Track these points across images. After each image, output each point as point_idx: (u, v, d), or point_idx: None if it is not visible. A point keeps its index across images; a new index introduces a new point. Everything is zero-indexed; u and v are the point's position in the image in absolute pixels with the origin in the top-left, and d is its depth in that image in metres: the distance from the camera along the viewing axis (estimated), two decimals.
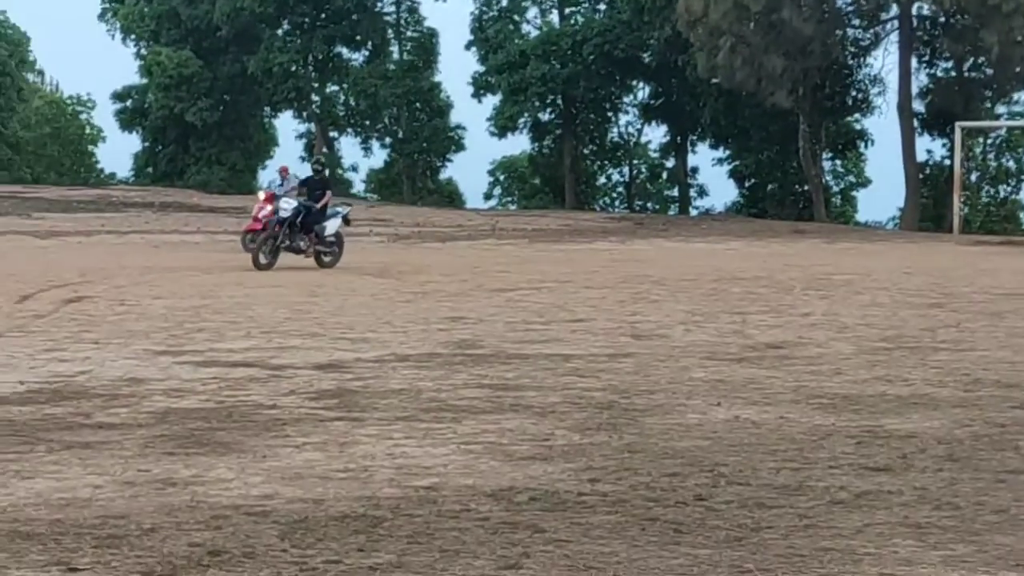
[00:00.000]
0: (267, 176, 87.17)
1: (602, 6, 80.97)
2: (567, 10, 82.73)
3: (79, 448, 10.72)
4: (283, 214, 29.71)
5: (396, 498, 8.89)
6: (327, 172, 32.79)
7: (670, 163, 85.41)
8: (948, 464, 9.84)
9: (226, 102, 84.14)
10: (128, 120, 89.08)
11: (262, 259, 30.97)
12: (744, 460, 9.99)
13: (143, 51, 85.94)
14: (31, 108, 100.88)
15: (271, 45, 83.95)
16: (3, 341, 17.96)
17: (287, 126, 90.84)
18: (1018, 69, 65.94)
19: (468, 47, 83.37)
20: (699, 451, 10.38)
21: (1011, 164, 72.60)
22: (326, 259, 33.28)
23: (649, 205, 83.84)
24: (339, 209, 33.66)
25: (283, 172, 48.05)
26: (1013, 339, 17.92)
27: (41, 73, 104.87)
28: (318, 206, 32.70)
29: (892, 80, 68.38)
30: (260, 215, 42.90)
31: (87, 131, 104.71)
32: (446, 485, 9.25)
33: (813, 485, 9.19)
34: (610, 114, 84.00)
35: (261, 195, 46.35)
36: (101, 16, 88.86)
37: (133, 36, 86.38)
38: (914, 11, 66.32)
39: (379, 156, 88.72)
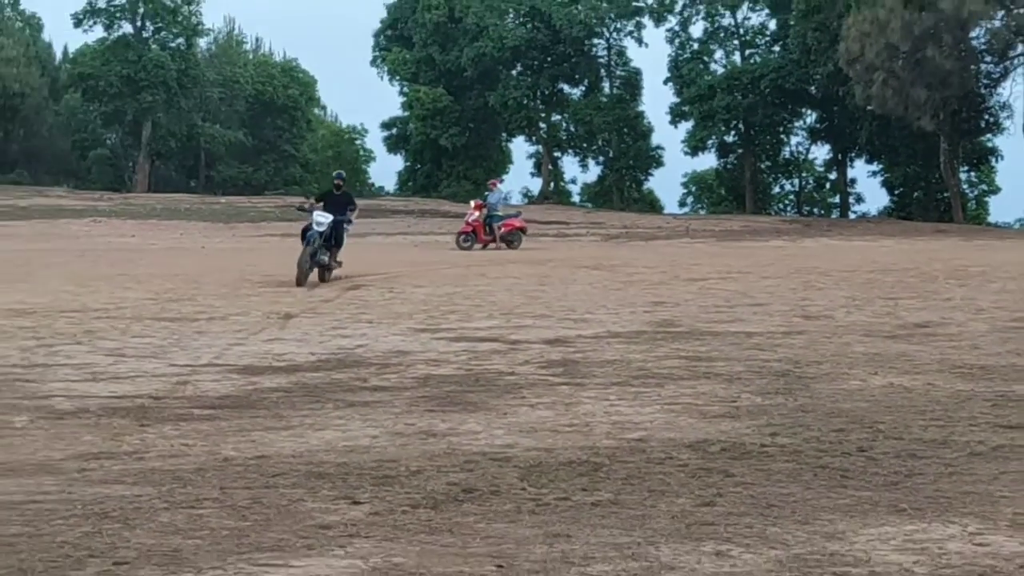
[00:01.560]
0: (502, 189, 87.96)
1: (776, 48, 79.77)
2: (747, 51, 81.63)
3: (359, 406, 11.00)
4: (318, 229, 23.31)
5: (612, 448, 9.06)
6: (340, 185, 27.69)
7: (832, 175, 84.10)
8: None
9: (471, 129, 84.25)
10: (393, 144, 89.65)
11: (306, 267, 23.26)
12: (898, 419, 10.01)
13: (405, 89, 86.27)
14: (317, 136, 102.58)
15: (507, 83, 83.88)
16: (298, 321, 18.25)
17: (519, 148, 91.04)
18: None
19: (666, 82, 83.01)
20: (860, 411, 10.38)
21: None
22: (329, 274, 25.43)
23: (815, 210, 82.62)
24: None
25: (492, 185, 47.67)
26: None
27: (325, 108, 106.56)
28: (348, 218, 25.81)
29: (1019, 105, 66.85)
30: (469, 220, 43.29)
31: (361, 153, 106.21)
32: (652, 437, 9.39)
33: (956, 440, 9.21)
34: (782, 136, 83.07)
35: (472, 204, 46.11)
36: (373, 62, 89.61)
37: (398, 77, 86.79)
38: None
39: (593, 172, 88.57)
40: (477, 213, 43.37)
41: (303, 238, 23.80)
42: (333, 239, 24.48)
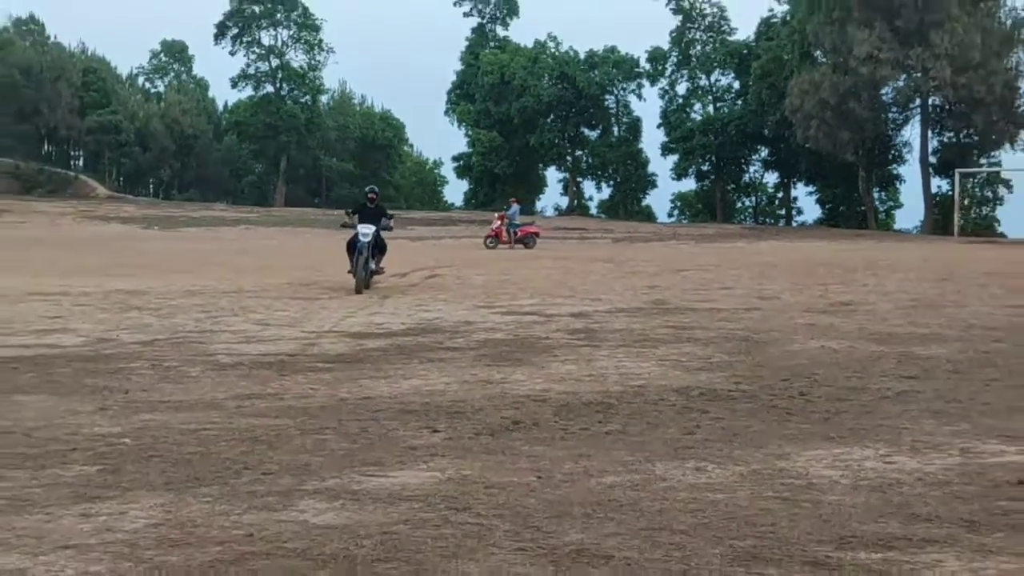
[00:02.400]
0: (539, 204, 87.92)
1: (739, 102, 79.39)
2: (718, 104, 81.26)
3: (436, 361, 11.03)
4: (365, 239, 19.81)
5: (619, 392, 9.07)
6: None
7: (780, 194, 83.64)
8: (953, 375, 9.77)
9: (517, 161, 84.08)
10: (461, 172, 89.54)
11: (362, 275, 19.68)
12: (828, 372, 10.01)
13: (469, 132, 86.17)
14: (405, 166, 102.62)
15: (543, 128, 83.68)
16: (392, 300, 18.26)
17: (552, 175, 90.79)
18: (994, 137, 63.68)
19: (658, 127, 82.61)
20: (800, 366, 10.37)
21: (988, 194, 70.17)
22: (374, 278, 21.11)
23: (767, 220, 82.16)
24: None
25: (511, 202, 47.69)
26: (992, 300, 17.39)
27: (411, 145, 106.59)
28: (389, 226, 21.47)
29: (915, 143, 66.46)
30: (493, 227, 43.61)
31: (438, 179, 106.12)
32: (649, 385, 9.40)
33: (870, 387, 9.21)
34: (743, 166, 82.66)
35: (496, 215, 46.20)
36: (446, 112, 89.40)
37: (464, 124, 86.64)
38: (930, 102, 64.09)
39: (605, 192, 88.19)
40: (499, 222, 43.48)
41: (349, 250, 20.00)
42: (377, 247, 20.73)
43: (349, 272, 19.71)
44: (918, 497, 5.73)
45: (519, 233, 42.76)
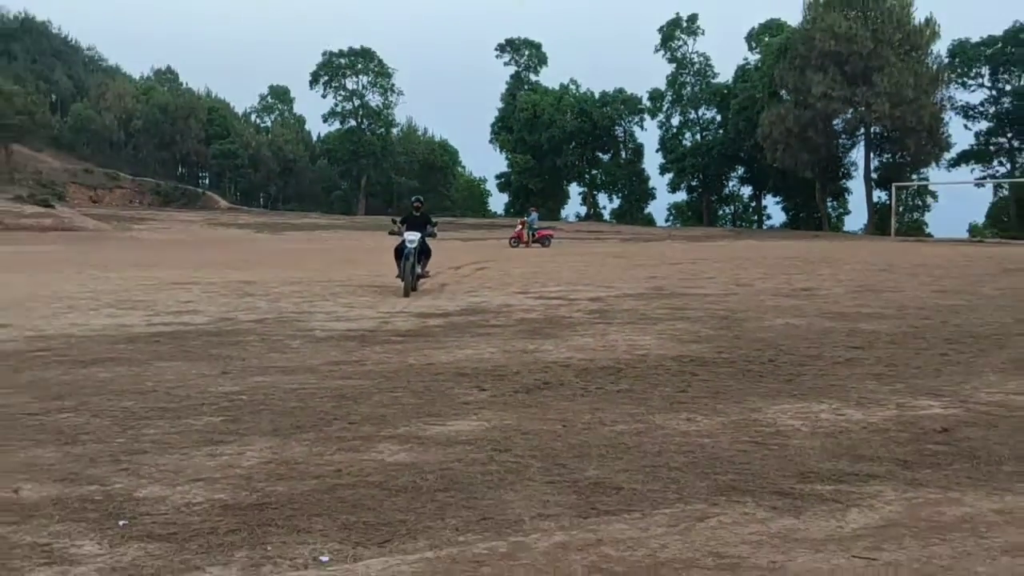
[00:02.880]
0: (563, 212, 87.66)
1: (720, 131, 78.90)
2: (704, 133, 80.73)
3: (483, 335, 11.01)
4: (411, 246, 17.19)
5: (627, 359, 9.03)
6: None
7: (753, 204, 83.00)
8: (891, 346, 9.67)
9: (546, 179, 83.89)
10: (502, 187, 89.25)
11: (409, 279, 16.91)
12: (791, 343, 9.93)
13: (508, 156, 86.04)
14: (459, 183, 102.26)
15: (567, 152, 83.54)
16: (449, 288, 18.26)
17: (573, 189, 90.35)
18: (923, 157, 63.44)
19: (657, 151, 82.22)
20: (770, 338, 10.29)
21: (918, 203, 69.67)
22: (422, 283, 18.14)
23: (743, 224, 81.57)
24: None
25: (532, 210, 48.00)
26: (923, 286, 17.19)
27: (464, 167, 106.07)
28: (433, 232, 18.27)
29: (860, 163, 66.11)
30: (516, 231, 43.27)
31: (483, 193, 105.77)
32: (650, 354, 9.34)
33: (825, 355, 9.12)
34: (724, 181, 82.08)
35: (519, 221, 46.26)
36: (490, 140, 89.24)
37: (504, 149, 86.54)
38: (872, 130, 63.68)
39: (616, 202, 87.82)
40: (521, 226, 43.28)
41: (397, 255, 17.40)
42: (422, 252, 17.89)
43: (397, 277, 17.10)
44: (863, 441, 5.71)
45: (537, 235, 42.62)
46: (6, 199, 59.12)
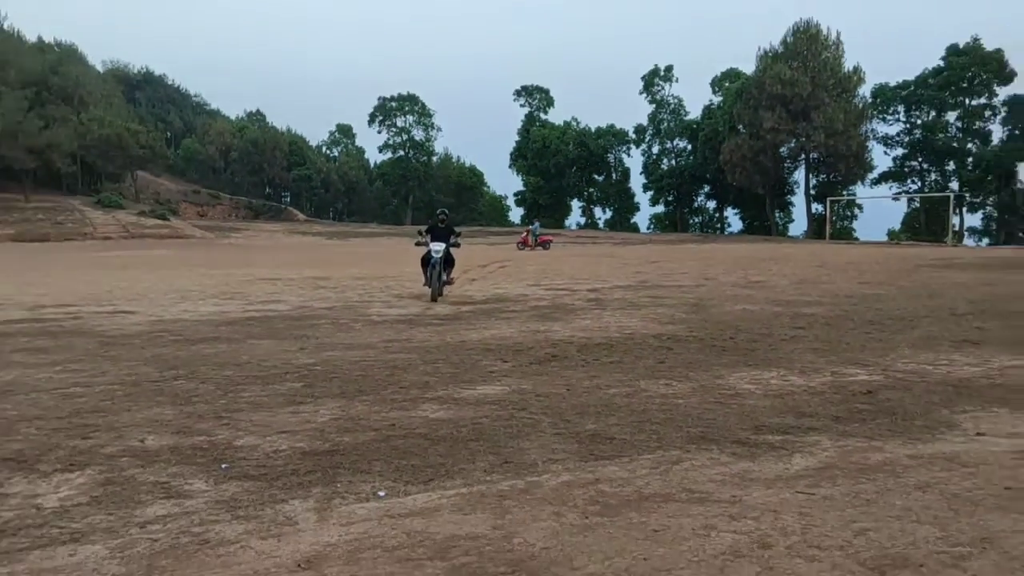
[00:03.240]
0: (567, 222, 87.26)
1: (691, 157, 78.19)
2: (677, 159, 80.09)
3: (504, 319, 10.97)
4: (437, 256, 14.51)
5: (618, 337, 9.00)
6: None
7: (717, 215, 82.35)
8: (826, 327, 9.60)
9: (553, 195, 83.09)
10: (519, 203, 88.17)
11: (436, 287, 14.25)
12: (747, 324, 9.85)
13: (523, 177, 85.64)
14: (485, 200, 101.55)
15: (568, 174, 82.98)
16: (477, 282, 18.22)
17: (575, 204, 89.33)
18: (851, 178, 63.03)
19: (641, 173, 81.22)
20: (730, 320, 10.24)
21: (848, 213, 69.04)
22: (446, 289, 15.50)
23: (708, 231, 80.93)
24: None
25: (535, 220, 47.79)
26: (851, 279, 17.04)
27: (488, 186, 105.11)
28: (456, 242, 15.22)
29: (801, 182, 65.48)
30: (522, 237, 42.61)
31: (504, 207, 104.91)
32: (636, 333, 9.30)
33: (774, 333, 9.05)
34: (694, 197, 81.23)
35: (524, 229, 45.98)
36: (509, 165, 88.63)
37: (520, 172, 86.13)
38: (811, 156, 63.21)
39: (608, 213, 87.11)
40: (526, 233, 42.69)
41: (423, 264, 14.87)
42: (447, 261, 15.00)
43: (424, 285, 14.80)
44: (804, 402, 5.67)
45: (539, 240, 42.26)
46: (133, 214, 59.49)
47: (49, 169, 60.83)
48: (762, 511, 3.53)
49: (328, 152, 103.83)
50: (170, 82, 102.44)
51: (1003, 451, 4.39)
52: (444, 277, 15.03)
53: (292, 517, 3.58)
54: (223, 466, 4.30)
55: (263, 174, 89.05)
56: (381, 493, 3.86)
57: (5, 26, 67.78)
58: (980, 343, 8.24)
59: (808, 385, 6.21)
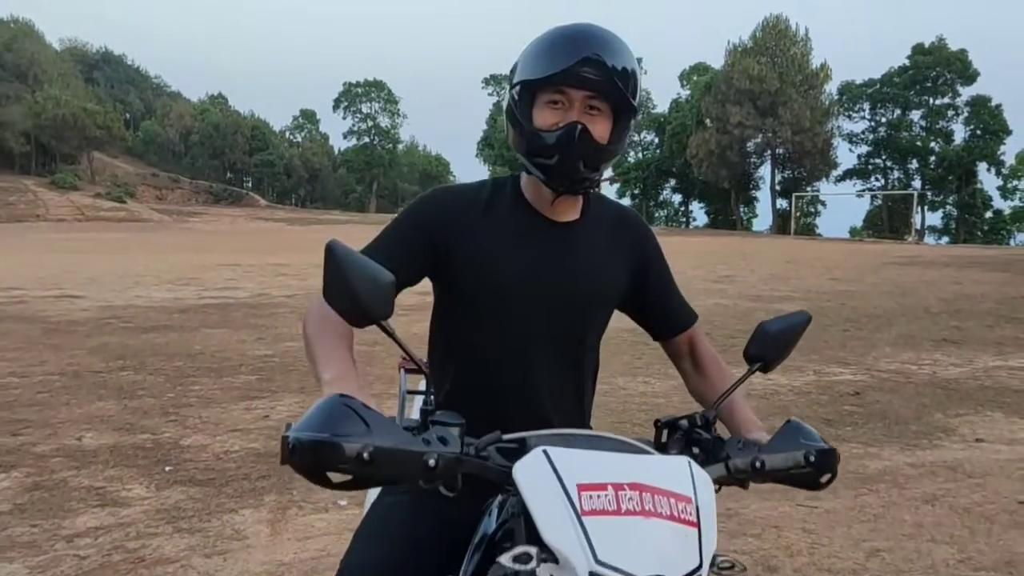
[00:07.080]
0: None
1: (658, 151, 78.52)
2: (645, 152, 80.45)
3: None
4: None
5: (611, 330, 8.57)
6: None
7: (683, 209, 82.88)
8: None
9: None
10: None
11: None
12: (723, 320, 9.72)
13: (491, 167, 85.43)
14: None
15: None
16: None
17: None
18: (816, 174, 63.69)
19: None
20: (704, 316, 9.90)
21: (812, 209, 69.90)
22: None
23: (675, 225, 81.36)
24: None
25: None
26: (820, 275, 17.01)
27: (454, 175, 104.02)
28: None
29: (767, 178, 66.02)
30: None
31: None
32: (609, 327, 8.89)
33: (750, 329, 8.70)
34: (660, 191, 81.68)
35: None
36: (476, 155, 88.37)
37: (487, 161, 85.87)
38: (777, 152, 63.75)
39: None
40: None
41: None
42: None
43: None
44: (791, 402, 5.43)
45: None
46: (89, 196, 58.11)
47: (1, 148, 59.28)
48: (763, 527, 3.24)
49: (291, 137, 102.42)
50: (130, 62, 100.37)
51: (1007, 460, 4.17)
52: None
53: (242, 530, 3.22)
54: (167, 469, 3.93)
55: (224, 158, 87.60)
56: (343, 503, 3.52)
57: None
58: (959, 343, 8.09)
59: (792, 385, 5.98)
